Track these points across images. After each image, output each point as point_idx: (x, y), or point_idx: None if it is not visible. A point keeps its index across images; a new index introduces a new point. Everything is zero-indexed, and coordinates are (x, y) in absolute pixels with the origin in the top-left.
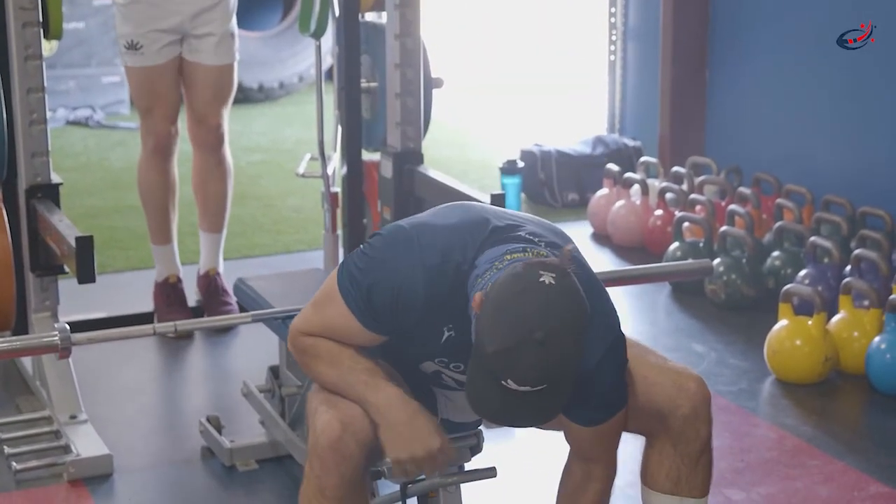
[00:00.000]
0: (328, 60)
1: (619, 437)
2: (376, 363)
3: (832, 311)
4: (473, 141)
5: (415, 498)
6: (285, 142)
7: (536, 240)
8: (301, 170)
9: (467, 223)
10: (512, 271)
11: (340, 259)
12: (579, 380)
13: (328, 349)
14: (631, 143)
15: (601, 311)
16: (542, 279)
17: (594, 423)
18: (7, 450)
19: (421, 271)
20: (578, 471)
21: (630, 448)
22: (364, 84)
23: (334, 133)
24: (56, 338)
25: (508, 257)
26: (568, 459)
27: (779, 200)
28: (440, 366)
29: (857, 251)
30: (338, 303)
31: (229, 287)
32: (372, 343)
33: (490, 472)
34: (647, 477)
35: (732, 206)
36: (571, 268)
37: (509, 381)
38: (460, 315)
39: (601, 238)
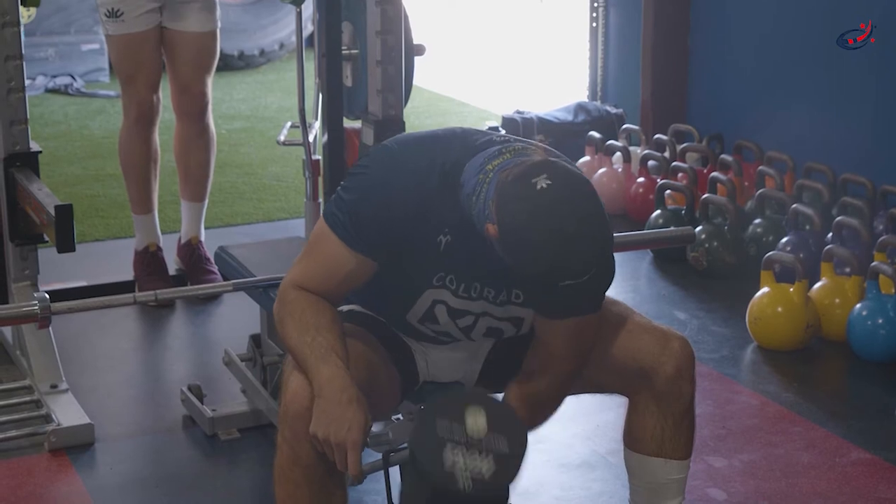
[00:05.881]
0: (309, 27)
1: (589, 345)
2: (344, 340)
3: (814, 279)
4: (455, 108)
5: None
6: (266, 109)
7: (504, 138)
8: (282, 138)
9: (444, 131)
10: (509, 195)
11: None
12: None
13: (303, 310)
14: (613, 110)
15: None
16: (538, 186)
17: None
18: None
19: (406, 175)
20: (540, 359)
21: (612, 416)
22: (345, 51)
23: (315, 101)
24: (36, 307)
25: (490, 167)
26: (535, 349)
27: (760, 168)
28: (438, 286)
29: (838, 218)
30: (326, 235)
31: (211, 255)
32: (365, 275)
33: None
34: (630, 438)
35: (714, 174)
36: (551, 156)
37: (567, 281)
38: (453, 217)
39: None
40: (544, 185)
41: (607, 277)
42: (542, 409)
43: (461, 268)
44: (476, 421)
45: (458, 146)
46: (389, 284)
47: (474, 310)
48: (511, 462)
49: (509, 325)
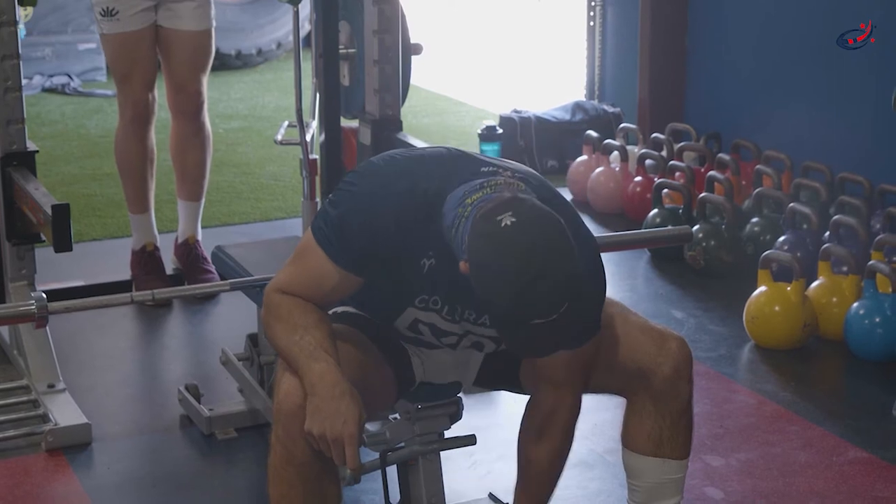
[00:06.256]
0: (306, 27)
1: (590, 366)
2: (333, 337)
3: (811, 278)
4: (452, 107)
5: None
6: (263, 109)
7: (491, 169)
8: (279, 137)
9: (432, 153)
10: (476, 232)
11: None
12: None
13: (290, 312)
14: (610, 109)
15: (565, 215)
16: (502, 223)
17: (575, 346)
18: None
19: (391, 196)
20: (548, 399)
21: (609, 416)
22: (342, 50)
23: (312, 100)
24: (33, 307)
25: (469, 201)
26: (535, 392)
27: (758, 167)
28: (420, 307)
29: (835, 217)
30: (311, 248)
31: (208, 255)
32: (349, 289)
33: (469, 440)
34: (628, 438)
35: (712, 173)
36: (519, 189)
37: (536, 320)
38: (437, 242)
39: (580, 205)
40: (509, 223)
41: (586, 313)
42: (564, 454)
43: (444, 291)
44: None
45: (444, 173)
46: (375, 297)
47: (457, 331)
48: None
49: (490, 341)
